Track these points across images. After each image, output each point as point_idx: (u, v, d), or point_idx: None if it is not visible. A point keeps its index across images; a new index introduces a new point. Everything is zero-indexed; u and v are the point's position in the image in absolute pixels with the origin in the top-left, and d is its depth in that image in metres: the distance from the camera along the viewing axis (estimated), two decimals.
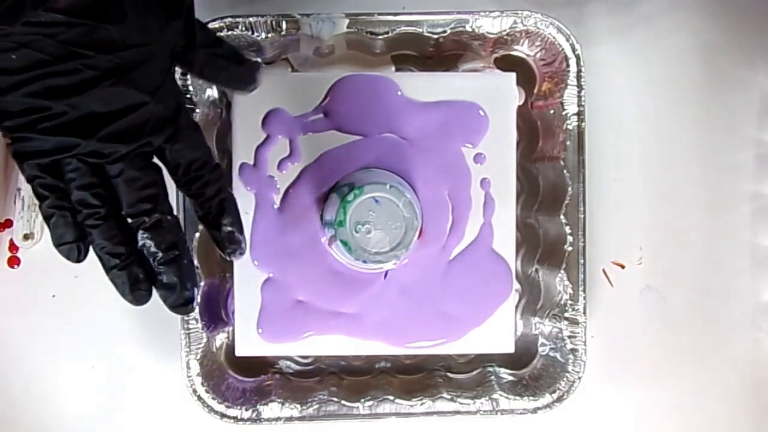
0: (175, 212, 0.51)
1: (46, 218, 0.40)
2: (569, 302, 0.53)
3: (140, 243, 0.40)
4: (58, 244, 0.40)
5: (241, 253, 0.44)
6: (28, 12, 0.34)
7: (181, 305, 0.41)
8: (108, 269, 0.40)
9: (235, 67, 0.44)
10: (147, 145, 0.40)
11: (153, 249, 0.40)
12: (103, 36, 0.36)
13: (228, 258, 0.44)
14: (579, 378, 0.53)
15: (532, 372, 0.56)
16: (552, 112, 0.54)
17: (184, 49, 0.41)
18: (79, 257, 0.40)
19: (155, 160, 0.41)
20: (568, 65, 0.53)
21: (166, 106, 0.40)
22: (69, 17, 0.35)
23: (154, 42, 0.38)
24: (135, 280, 0.40)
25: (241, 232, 0.44)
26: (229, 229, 0.43)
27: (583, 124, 0.53)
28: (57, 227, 0.40)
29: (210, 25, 0.51)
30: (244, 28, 0.52)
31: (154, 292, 0.41)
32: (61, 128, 0.37)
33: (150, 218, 0.40)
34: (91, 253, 0.55)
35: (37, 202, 0.54)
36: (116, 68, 0.37)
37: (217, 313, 0.55)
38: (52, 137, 0.38)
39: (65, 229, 0.40)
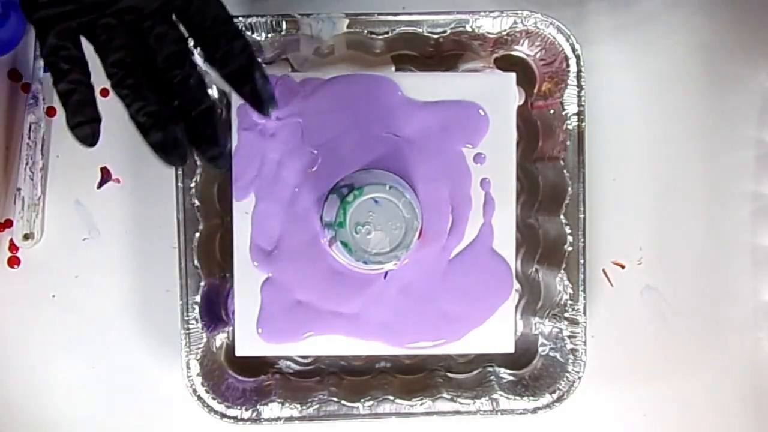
0: (175, 213, 0.52)
1: (66, 95, 0.39)
2: (569, 302, 0.53)
3: (175, 102, 0.40)
4: (76, 124, 0.40)
5: (275, 107, 0.43)
6: None
7: (219, 157, 0.42)
8: (146, 130, 0.40)
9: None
10: None
11: (186, 104, 0.40)
12: None
13: (264, 115, 0.43)
14: (579, 378, 0.53)
15: (532, 372, 0.56)
16: (552, 112, 0.54)
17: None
18: (94, 139, 0.40)
19: None
20: (568, 65, 0.53)
21: None
22: None
23: None
24: (173, 138, 0.40)
25: (271, 85, 0.43)
26: (262, 81, 0.42)
27: (583, 124, 0.53)
28: (77, 104, 0.40)
29: None
30: (244, 28, 0.52)
31: None
32: None
33: (182, 71, 0.40)
34: (89, 250, 0.56)
35: (37, 202, 0.55)
36: None
37: (217, 313, 0.55)
38: None
39: (85, 106, 0.40)
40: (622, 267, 0.58)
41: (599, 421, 0.58)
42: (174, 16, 0.41)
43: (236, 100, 0.52)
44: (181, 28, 0.42)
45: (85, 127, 0.40)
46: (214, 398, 0.53)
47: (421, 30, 0.52)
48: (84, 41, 0.40)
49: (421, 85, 0.52)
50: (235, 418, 0.53)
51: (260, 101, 0.42)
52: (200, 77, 0.41)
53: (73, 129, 0.40)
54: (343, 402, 0.53)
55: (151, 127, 0.40)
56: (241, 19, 0.51)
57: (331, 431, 0.55)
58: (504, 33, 0.53)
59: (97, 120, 0.40)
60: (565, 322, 0.54)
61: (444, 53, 0.55)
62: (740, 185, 0.58)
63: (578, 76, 0.53)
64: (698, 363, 0.58)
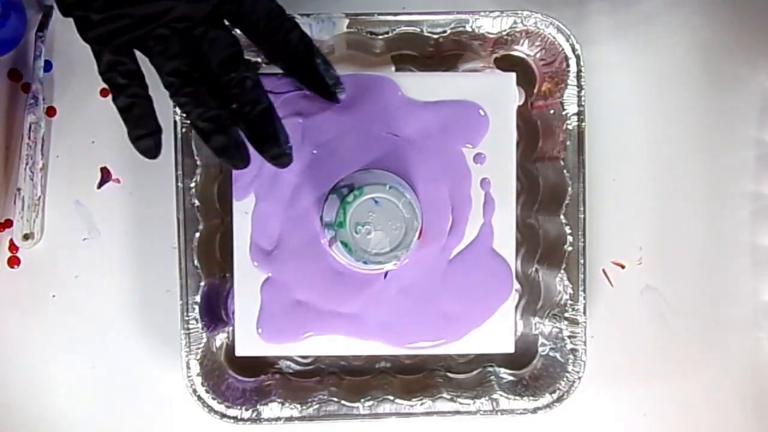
0: (175, 213, 0.52)
1: (126, 109, 0.40)
2: (569, 302, 0.53)
3: (233, 105, 0.41)
4: (138, 137, 0.40)
5: (343, 90, 0.43)
6: None
7: (284, 155, 0.42)
8: (208, 135, 0.40)
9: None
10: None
11: (245, 107, 0.41)
12: None
13: (333, 101, 0.43)
14: (579, 378, 0.53)
15: (532, 372, 0.56)
16: (552, 112, 0.54)
17: None
18: (157, 151, 0.41)
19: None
20: (568, 65, 0.53)
21: None
22: None
23: None
24: (235, 141, 0.41)
25: (334, 69, 0.43)
26: (324, 67, 0.42)
27: (583, 124, 0.53)
28: (138, 118, 0.40)
29: None
30: None
31: None
32: None
33: (237, 74, 0.41)
34: (89, 250, 0.56)
35: (37, 202, 0.55)
36: None
37: (217, 313, 0.55)
38: (143, 6, 0.38)
39: (147, 119, 0.40)
40: (622, 267, 0.58)
41: (599, 421, 0.58)
42: (228, 21, 0.42)
43: None
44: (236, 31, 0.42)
45: (147, 139, 0.40)
46: (214, 398, 0.53)
47: (421, 30, 0.52)
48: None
49: (421, 85, 0.52)
50: (235, 418, 0.53)
51: (326, 87, 0.43)
52: (256, 78, 0.41)
53: (135, 142, 0.40)
54: (343, 402, 0.53)
55: (213, 131, 0.40)
56: None
57: (331, 431, 0.55)
58: (504, 33, 0.53)
59: (159, 131, 0.40)
60: (565, 322, 0.54)
61: (444, 53, 0.55)
62: (740, 185, 0.58)
63: (578, 76, 0.53)
64: (698, 363, 0.58)
